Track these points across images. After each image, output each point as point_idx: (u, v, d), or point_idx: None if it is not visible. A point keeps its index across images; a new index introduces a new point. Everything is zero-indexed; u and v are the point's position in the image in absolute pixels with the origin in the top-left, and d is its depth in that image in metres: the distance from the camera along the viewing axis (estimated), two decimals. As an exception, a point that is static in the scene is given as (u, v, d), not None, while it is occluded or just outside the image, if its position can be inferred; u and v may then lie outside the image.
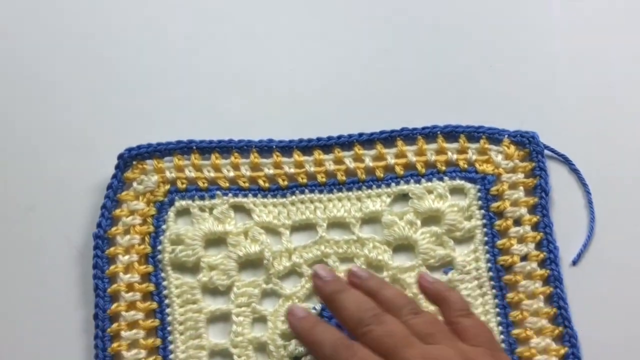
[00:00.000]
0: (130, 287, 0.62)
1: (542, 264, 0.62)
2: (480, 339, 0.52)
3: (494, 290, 0.62)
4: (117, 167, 0.65)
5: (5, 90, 0.71)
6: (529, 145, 0.65)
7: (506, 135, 0.66)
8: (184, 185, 0.65)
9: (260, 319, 0.62)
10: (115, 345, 0.60)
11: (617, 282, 0.63)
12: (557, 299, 0.61)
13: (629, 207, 0.65)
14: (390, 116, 0.67)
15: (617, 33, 0.72)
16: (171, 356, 0.61)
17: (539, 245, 0.63)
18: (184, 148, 0.66)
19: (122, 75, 0.71)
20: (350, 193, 0.65)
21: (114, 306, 0.61)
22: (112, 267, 0.62)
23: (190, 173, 0.65)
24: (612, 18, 0.72)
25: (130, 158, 0.65)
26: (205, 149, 0.66)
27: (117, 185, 0.64)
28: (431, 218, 0.64)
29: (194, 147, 0.66)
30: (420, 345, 0.50)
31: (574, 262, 0.64)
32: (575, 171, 0.66)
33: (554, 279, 0.62)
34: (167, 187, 0.65)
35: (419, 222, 0.64)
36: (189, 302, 0.62)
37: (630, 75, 0.70)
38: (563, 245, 0.63)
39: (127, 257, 0.62)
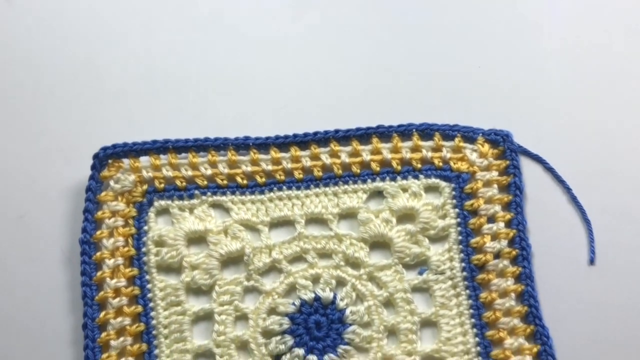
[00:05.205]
0: (117, 293, 0.62)
1: (514, 261, 0.63)
2: None
3: (467, 291, 0.62)
4: (93, 167, 0.65)
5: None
6: (503, 143, 0.65)
7: (480, 134, 0.66)
8: (162, 185, 0.65)
9: (241, 317, 0.63)
10: (104, 356, 0.60)
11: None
12: (527, 297, 0.61)
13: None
14: (367, 114, 0.67)
15: (592, 36, 0.71)
16: (156, 361, 0.62)
17: (511, 243, 0.63)
18: (160, 147, 0.65)
19: (96, 79, 0.70)
20: (327, 188, 0.65)
21: (102, 314, 0.61)
22: (99, 273, 0.62)
23: (167, 172, 0.65)
24: (586, 20, 0.72)
25: (105, 157, 0.65)
26: (182, 148, 0.66)
27: (95, 186, 0.64)
28: (407, 216, 0.65)
29: (170, 147, 0.65)
30: None
31: (592, 261, 0.64)
32: (550, 170, 0.66)
33: (525, 277, 0.62)
34: (145, 187, 0.65)
35: (394, 220, 0.64)
36: (172, 305, 0.63)
37: (606, 76, 0.70)
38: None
39: (112, 260, 0.63)
